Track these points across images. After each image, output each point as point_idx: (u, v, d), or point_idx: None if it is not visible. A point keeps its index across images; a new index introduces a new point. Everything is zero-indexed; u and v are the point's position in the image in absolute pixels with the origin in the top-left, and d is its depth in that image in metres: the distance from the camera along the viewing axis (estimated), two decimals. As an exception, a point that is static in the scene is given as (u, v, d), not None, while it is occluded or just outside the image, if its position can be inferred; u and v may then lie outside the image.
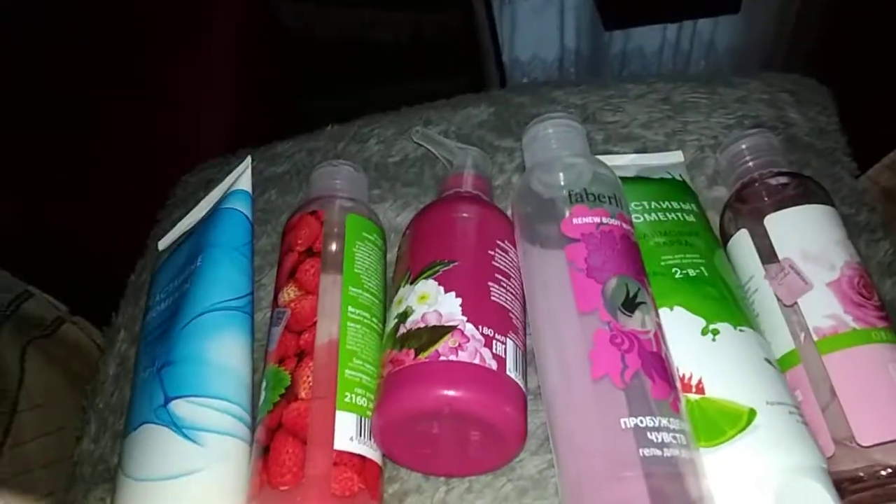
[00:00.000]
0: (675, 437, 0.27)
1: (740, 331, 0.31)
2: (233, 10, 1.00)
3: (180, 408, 0.32)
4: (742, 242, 0.35)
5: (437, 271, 0.32)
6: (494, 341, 0.30)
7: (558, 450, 0.29)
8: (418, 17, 1.34)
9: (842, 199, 0.41)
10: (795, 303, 0.32)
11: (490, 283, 0.32)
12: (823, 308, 0.31)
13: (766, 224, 0.34)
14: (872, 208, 0.42)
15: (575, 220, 0.32)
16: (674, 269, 0.33)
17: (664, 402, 0.28)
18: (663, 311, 0.32)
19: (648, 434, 0.26)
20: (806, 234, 0.33)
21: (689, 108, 0.47)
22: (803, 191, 0.36)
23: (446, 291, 0.31)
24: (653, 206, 0.37)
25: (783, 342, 0.32)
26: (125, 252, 0.52)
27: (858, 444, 0.29)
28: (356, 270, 0.35)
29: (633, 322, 0.29)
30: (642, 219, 0.36)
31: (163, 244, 0.45)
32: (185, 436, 0.32)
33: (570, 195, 0.33)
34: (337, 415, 0.31)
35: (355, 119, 0.52)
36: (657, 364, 0.28)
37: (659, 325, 0.30)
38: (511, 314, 0.33)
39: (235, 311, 0.36)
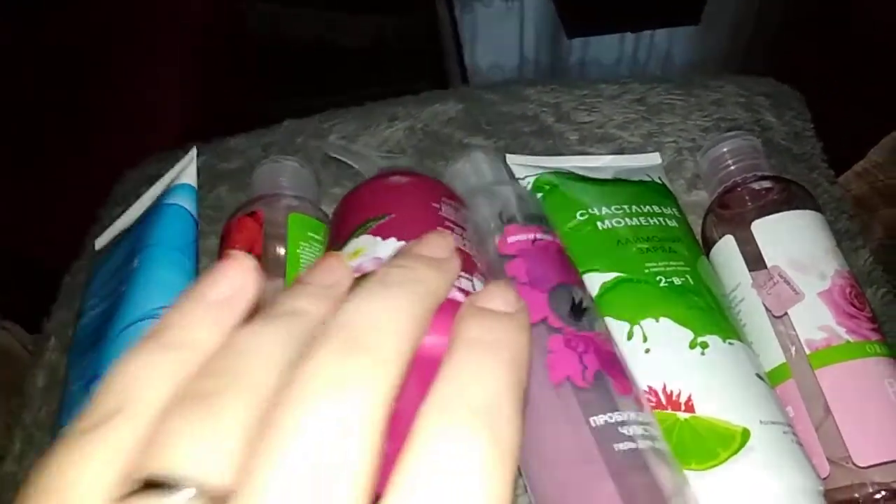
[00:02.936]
0: (645, 430, 0.26)
1: (729, 344, 0.29)
2: (195, 10, 0.97)
3: None
4: (727, 249, 0.33)
5: (370, 227, 0.28)
6: (460, 278, 0.25)
7: (529, 465, 0.27)
8: (381, 21, 1.32)
9: (821, 206, 0.40)
10: (785, 313, 0.30)
11: (439, 228, 0.28)
12: (815, 319, 0.30)
13: (754, 230, 0.32)
14: (851, 215, 0.41)
15: (510, 239, 0.31)
16: (658, 277, 0.31)
17: (628, 397, 0.26)
18: (649, 322, 0.30)
19: (620, 429, 0.25)
20: (795, 241, 0.32)
21: (665, 110, 0.45)
22: (787, 196, 0.34)
23: (384, 239, 0.27)
24: (633, 210, 0.34)
25: (773, 355, 0.30)
26: (65, 252, 0.48)
27: (855, 465, 0.27)
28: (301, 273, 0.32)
29: (584, 326, 0.28)
30: (623, 223, 0.34)
31: (99, 243, 0.41)
32: None
33: (500, 216, 0.32)
34: None
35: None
36: (615, 363, 0.27)
37: (608, 331, 0.29)
38: (472, 259, 0.28)
39: None
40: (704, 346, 0.29)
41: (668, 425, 0.27)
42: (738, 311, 0.32)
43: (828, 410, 0.28)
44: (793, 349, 0.30)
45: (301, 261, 0.33)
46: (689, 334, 0.29)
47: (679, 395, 0.28)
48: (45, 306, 0.45)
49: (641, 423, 0.26)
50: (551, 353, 0.27)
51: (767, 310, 0.31)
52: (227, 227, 0.35)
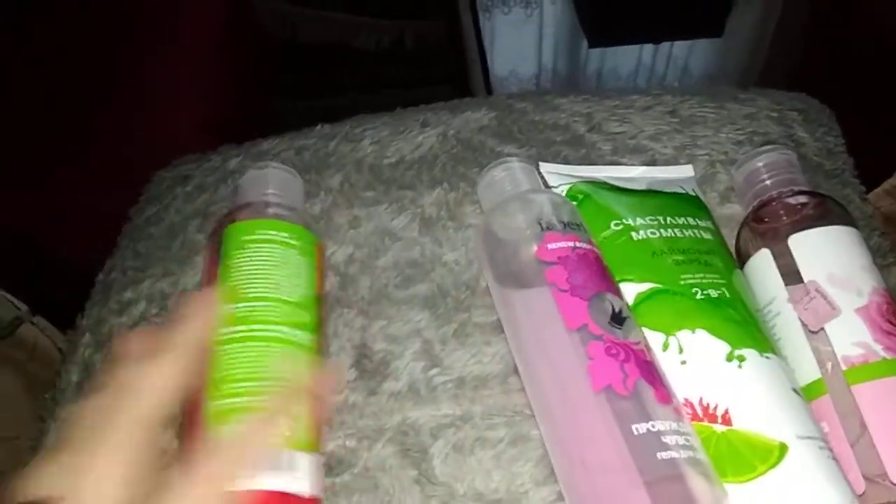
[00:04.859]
0: (686, 440, 0.26)
1: (766, 358, 0.29)
2: (213, 11, 0.97)
3: None
4: (763, 263, 0.33)
5: None
6: None
7: (568, 471, 0.28)
8: (401, 25, 1.33)
9: (855, 222, 0.40)
10: (822, 329, 0.30)
11: None
12: (852, 335, 0.29)
13: (790, 244, 0.32)
14: (882, 232, 0.41)
15: (550, 246, 0.31)
16: (694, 290, 0.31)
17: (668, 406, 0.27)
18: (685, 334, 0.30)
19: (662, 438, 0.26)
20: (832, 257, 0.32)
21: (697, 123, 0.45)
22: (823, 211, 0.34)
23: None
24: (668, 222, 0.35)
25: (808, 370, 0.30)
26: (88, 247, 0.49)
27: (891, 482, 0.27)
28: (232, 283, 0.33)
29: (623, 335, 0.28)
30: (658, 234, 0.34)
31: None
32: None
33: (539, 223, 0.32)
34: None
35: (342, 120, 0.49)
36: (655, 372, 0.28)
37: (646, 340, 0.30)
38: None
39: None
40: (741, 359, 0.29)
41: (704, 437, 0.27)
42: (772, 325, 0.32)
43: (864, 427, 0.28)
44: (829, 365, 0.30)
45: (233, 271, 0.33)
46: (726, 347, 0.29)
47: (716, 409, 0.28)
48: (74, 303, 0.46)
49: (681, 434, 0.26)
50: (592, 361, 0.27)
51: (803, 325, 0.31)
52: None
